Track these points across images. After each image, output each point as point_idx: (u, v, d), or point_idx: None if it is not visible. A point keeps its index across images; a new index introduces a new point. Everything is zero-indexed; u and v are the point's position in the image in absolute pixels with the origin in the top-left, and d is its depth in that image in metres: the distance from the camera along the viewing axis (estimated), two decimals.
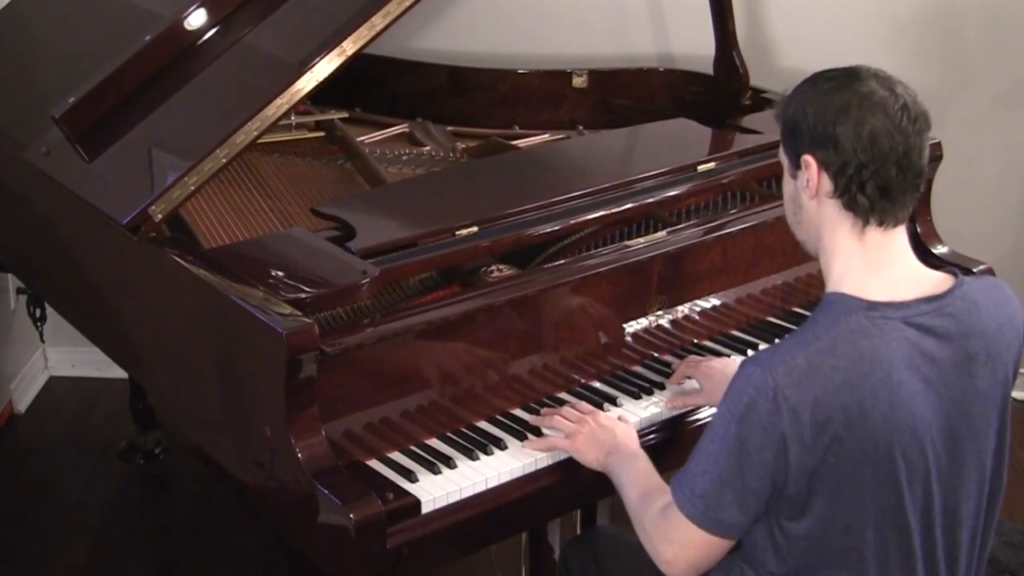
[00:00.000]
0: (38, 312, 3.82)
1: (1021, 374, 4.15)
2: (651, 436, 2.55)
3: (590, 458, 2.39)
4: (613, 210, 2.77)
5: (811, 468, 1.98)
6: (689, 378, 2.65)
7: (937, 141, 3.08)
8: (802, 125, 2.05)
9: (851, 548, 2.05)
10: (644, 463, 2.32)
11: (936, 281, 2.10)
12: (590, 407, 2.52)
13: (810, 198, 2.08)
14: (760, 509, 2.05)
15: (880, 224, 2.05)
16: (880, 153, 1.99)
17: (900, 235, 2.09)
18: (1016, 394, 4.15)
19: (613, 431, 2.41)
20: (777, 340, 2.79)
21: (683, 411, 2.61)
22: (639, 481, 2.26)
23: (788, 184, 2.15)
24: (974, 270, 3.01)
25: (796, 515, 2.05)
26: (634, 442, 2.40)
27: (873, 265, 2.07)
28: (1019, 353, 2.17)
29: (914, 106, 2.03)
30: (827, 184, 2.04)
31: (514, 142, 3.40)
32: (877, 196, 2.01)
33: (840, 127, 2.00)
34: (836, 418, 1.96)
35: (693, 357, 2.71)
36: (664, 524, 2.12)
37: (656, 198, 2.83)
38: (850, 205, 2.03)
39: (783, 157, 2.15)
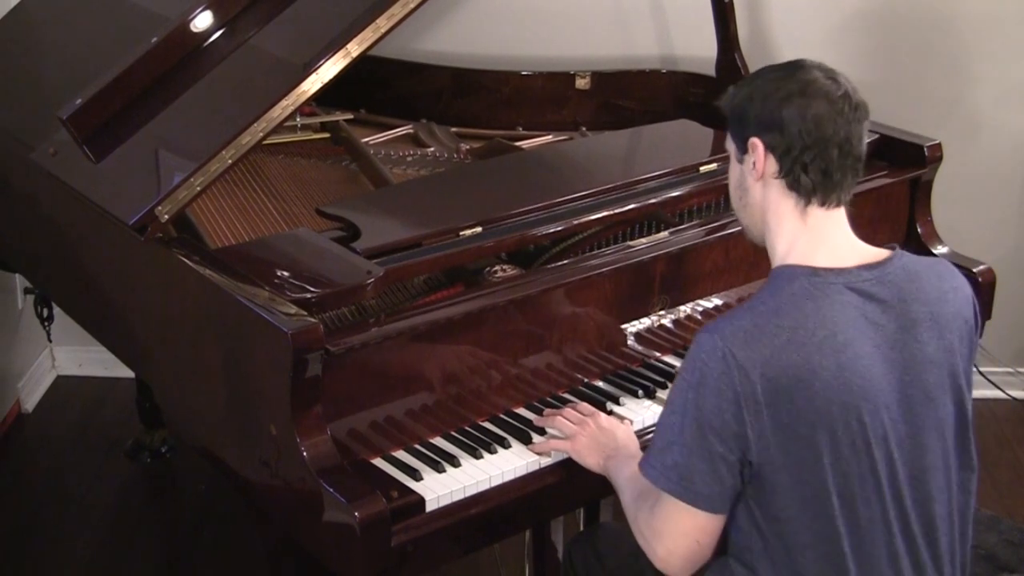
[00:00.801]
0: (45, 312, 3.83)
1: (1021, 373, 4.21)
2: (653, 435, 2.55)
3: (591, 461, 2.40)
4: (616, 211, 2.78)
5: (768, 428, 2.02)
6: None
7: (937, 142, 3.11)
8: (749, 111, 2.15)
9: (820, 519, 2.07)
10: None
11: (875, 253, 2.18)
12: (591, 408, 2.53)
13: (756, 180, 2.17)
14: (735, 480, 2.07)
15: (822, 204, 2.14)
16: (823, 136, 2.09)
17: (841, 215, 2.18)
18: (1016, 393, 4.18)
19: (614, 434, 2.43)
20: None
21: None
22: (633, 483, 2.27)
23: (735, 169, 2.24)
24: (974, 270, 3.04)
25: (769, 493, 2.07)
26: (635, 445, 2.41)
27: (815, 240, 2.15)
28: (972, 324, 2.22)
29: (854, 95, 2.13)
30: (772, 165, 2.14)
31: (518, 143, 3.40)
32: (819, 177, 2.11)
33: (786, 111, 2.09)
34: (785, 375, 2.01)
35: None
36: (652, 519, 2.14)
37: (659, 199, 2.85)
38: (793, 185, 2.13)
39: (730, 145, 2.23)
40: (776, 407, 2.01)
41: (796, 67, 2.14)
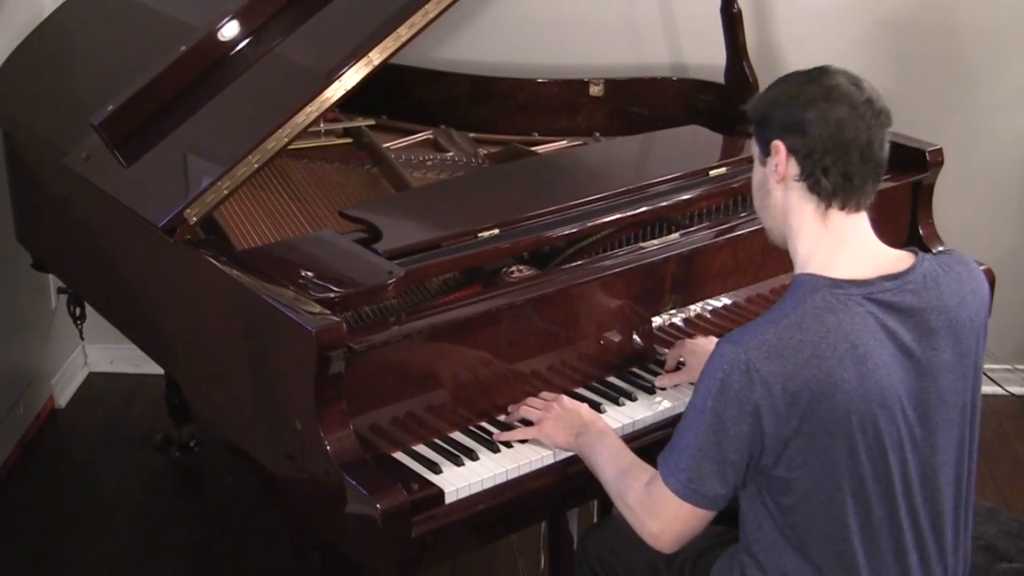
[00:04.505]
0: (78, 311, 3.85)
1: (1020, 370, 4.24)
2: (667, 430, 2.53)
3: (560, 440, 2.44)
4: (628, 213, 2.81)
5: (786, 438, 2.04)
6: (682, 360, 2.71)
7: (939, 147, 3.10)
8: (773, 114, 2.16)
9: (834, 519, 2.10)
10: (614, 440, 2.38)
11: (895, 259, 2.17)
12: (553, 394, 2.56)
13: (777, 182, 2.17)
14: (739, 481, 2.11)
15: (842, 208, 2.14)
16: (844, 140, 2.09)
17: (862, 219, 2.18)
18: (1015, 390, 4.20)
19: (578, 412, 2.47)
20: None
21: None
22: (614, 459, 2.32)
23: (757, 172, 2.25)
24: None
25: (783, 490, 2.11)
26: (600, 421, 2.46)
27: (836, 245, 2.15)
28: (984, 324, 2.23)
29: (878, 101, 2.13)
30: (794, 168, 2.14)
31: (534, 148, 3.42)
32: (839, 181, 2.11)
33: (808, 114, 2.10)
34: (807, 388, 2.02)
35: (680, 340, 2.76)
36: (649, 500, 2.17)
37: (670, 202, 2.87)
38: (814, 188, 2.13)
39: (754, 147, 2.24)
40: (797, 419, 2.03)
41: (821, 73, 2.15)
